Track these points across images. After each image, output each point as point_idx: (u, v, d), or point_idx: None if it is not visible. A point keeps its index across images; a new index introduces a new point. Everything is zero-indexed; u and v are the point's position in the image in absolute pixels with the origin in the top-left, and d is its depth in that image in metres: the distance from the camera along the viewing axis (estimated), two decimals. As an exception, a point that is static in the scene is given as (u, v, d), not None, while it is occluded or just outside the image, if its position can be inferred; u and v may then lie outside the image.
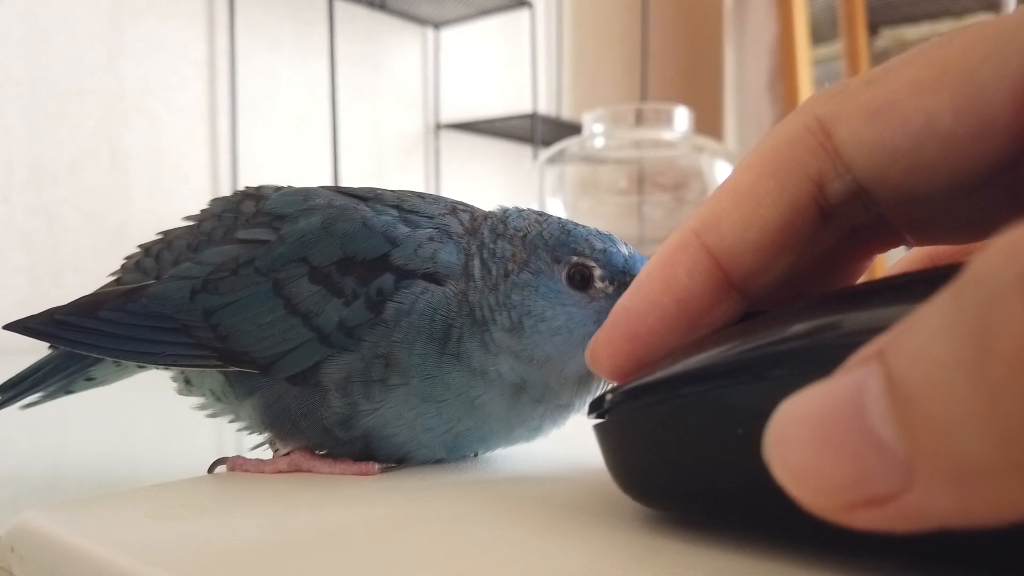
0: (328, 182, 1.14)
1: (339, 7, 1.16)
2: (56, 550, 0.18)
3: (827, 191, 0.16)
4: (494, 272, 0.24)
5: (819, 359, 0.14)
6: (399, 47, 1.40)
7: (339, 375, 0.23)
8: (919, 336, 0.10)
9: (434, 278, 0.24)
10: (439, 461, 0.25)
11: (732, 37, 2.01)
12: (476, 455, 0.26)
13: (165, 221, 1.06)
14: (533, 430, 0.25)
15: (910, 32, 1.74)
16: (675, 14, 2.05)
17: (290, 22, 1.22)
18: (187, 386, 0.27)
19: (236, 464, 0.24)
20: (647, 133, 1.05)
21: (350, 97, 1.26)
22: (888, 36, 1.77)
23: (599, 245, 0.24)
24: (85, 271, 0.98)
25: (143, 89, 1.04)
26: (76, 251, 0.97)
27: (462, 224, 0.25)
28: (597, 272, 0.23)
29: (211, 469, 0.25)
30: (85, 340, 0.26)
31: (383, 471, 0.24)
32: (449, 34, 1.46)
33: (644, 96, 1.88)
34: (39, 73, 0.95)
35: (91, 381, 0.30)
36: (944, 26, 1.70)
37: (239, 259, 0.25)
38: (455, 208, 0.26)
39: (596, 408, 0.19)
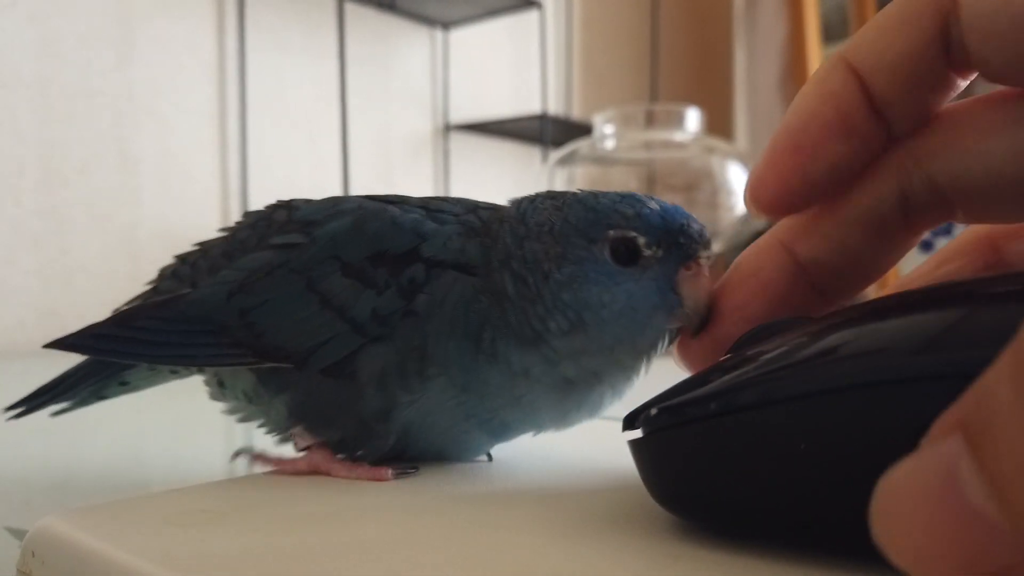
0: (337, 183, 1.14)
1: (348, 8, 1.17)
2: (77, 555, 0.17)
3: (950, 32, 0.17)
4: (531, 281, 0.23)
5: (862, 375, 0.14)
6: (408, 48, 1.40)
7: (375, 367, 0.23)
8: (994, 412, 0.10)
9: (465, 269, 0.23)
10: (459, 458, 0.25)
11: (742, 37, 2.00)
12: (490, 459, 0.26)
13: (174, 222, 1.07)
14: (593, 407, 0.24)
15: (921, 31, 1.74)
16: (685, 14, 2.05)
17: (299, 24, 1.22)
18: (220, 389, 0.27)
19: (259, 456, 0.25)
20: (658, 134, 1.05)
21: (359, 98, 1.26)
22: (899, 36, 1.76)
23: (630, 211, 0.22)
24: (95, 273, 0.98)
25: (153, 91, 1.05)
26: (86, 253, 0.98)
27: (482, 222, 0.25)
28: (641, 240, 0.22)
29: (234, 456, 0.26)
30: (123, 349, 0.26)
31: (396, 476, 0.23)
32: (458, 35, 1.46)
33: (654, 96, 1.87)
34: (49, 75, 0.95)
35: (125, 386, 0.30)
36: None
37: (273, 263, 0.25)
38: (476, 207, 0.26)
39: (631, 423, 0.18)
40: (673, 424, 0.17)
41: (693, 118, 1.05)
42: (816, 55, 1.85)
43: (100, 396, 0.31)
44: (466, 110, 1.48)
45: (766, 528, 0.16)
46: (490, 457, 0.26)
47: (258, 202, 1.19)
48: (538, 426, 0.24)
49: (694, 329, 0.22)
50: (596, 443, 0.28)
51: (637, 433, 0.18)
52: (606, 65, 1.84)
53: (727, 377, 0.16)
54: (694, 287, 0.22)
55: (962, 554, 0.10)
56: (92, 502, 0.21)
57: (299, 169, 1.21)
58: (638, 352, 0.23)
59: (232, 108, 1.14)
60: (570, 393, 0.23)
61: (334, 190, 1.15)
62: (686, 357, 0.22)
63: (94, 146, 0.99)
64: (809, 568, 0.15)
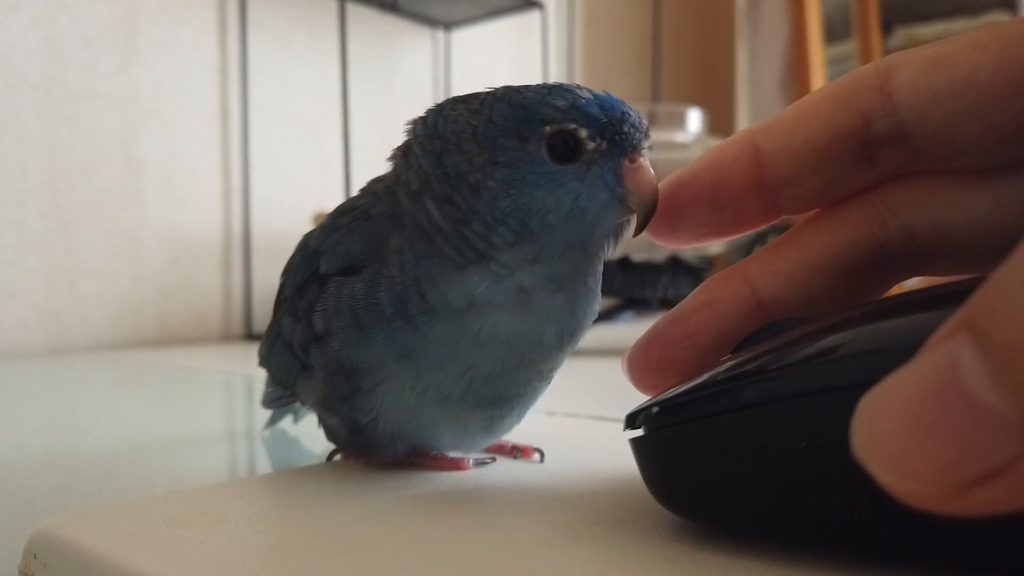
0: (339, 184, 1.14)
1: (350, 9, 1.17)
2: (79, 557, 0.18)
3: (872, 127, 0.17)
4: (459, 199, 0.20)
5: (863, 374, 0.14)
6: (410, 48, 1.40)
7: (314, 399, 0.24)
8: (1009, 294, 0.09)
9: (350, 269, 0.22)
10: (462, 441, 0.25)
11: (745, 37, 2.00)
12: (495, 461, 0.26)
13: (178, 224, 1.07)
14: (564, 320, 0.21)
15: (924, 31, 1.73)
16: (687, 14, 2.04)
17: (301, 24, 1.22)
18: None
19: (348, 453, 0.26)
20: (660, 135, 1.05)
21: (361, 98, 1.26)
22: (902, 35, 1.76)
23: (563, 103, 0.20)
24: (99, 274, 0.98)
25: (156, 93, 1.05)
26: (90, 254, 0.98)
27: (386, 185, 0.23)
28: (583, 133, 0.20)
29: (329, 457, 0.27)
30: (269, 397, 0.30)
31: (476, 466, 0.25)
32: (460, 35, 1.46)
33: (656, 97, 1.87)
34: (54, 77, 0.95)
35: (296, 415, 0.35)
36: (959, 25, 1.69)
37: (276, 306, 0.28)
38: (382, 177, 0.24)
39: (633, 421, 0.18)
40: (674, 422, 0.17)
41: (695, 119, 1.05)
42: (818, 55, 1.85)
43: (294, 411, 0.35)
44: (468, 111, 1.48)
45: (766, 527, 0.16)
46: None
47: (260, 203, 1.19)
48: (521, 363, 0.22)
49: (640, 224, 0.21)
50: (597, 442, 0.28)
51: (638, 432, 0.18)
52: (608, 66, 1.84)
53: (728, 376, 0.17)
54: (641, 180, 0.20)
55: (957, 452, 0.09)
56: (94, 503, 0.21)
57: (302, 170, 1.21)
58: (590, 254, 0.21)
59: (234, 109, 1.14)
60: (530, 306, 0.21)
61: (336, 191, 1.15)
62: (634, 377, 0.21)
63: (98, 148, 0.99)
64: (809, 568, 0.15)
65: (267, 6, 1.17)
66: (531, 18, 1.52)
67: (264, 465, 0.37)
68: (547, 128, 0.20)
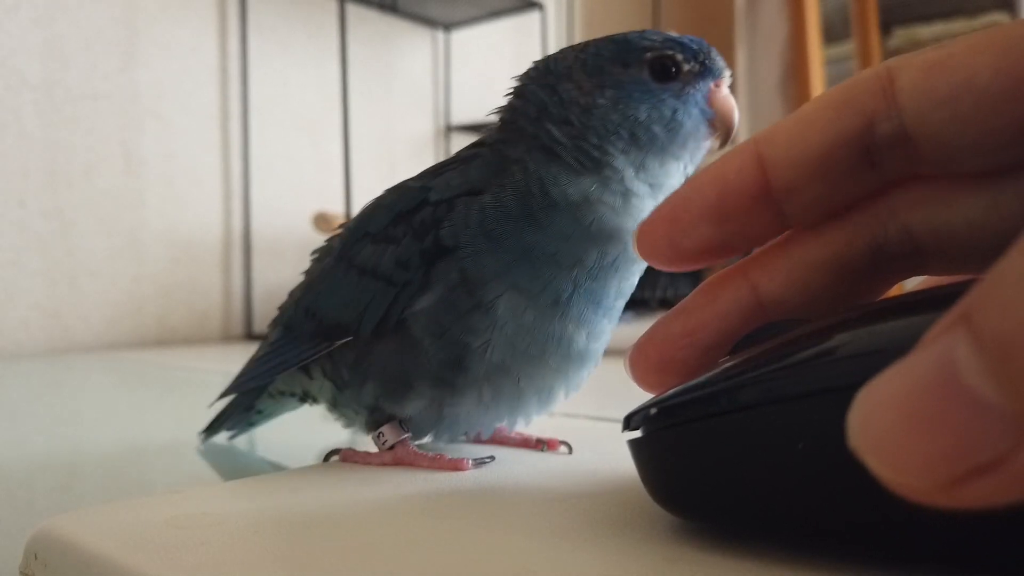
0: (339, 184, 1.14)
1: (350, 9, 1.17)
2: (79, 557, 0.18)
3: (876, 131, 0.17)
4: (574, 118, 0.24)
5: (860, 375, 0.14)
6: (410, 49, 1.40)
7: (423, 322, 0.24)
8: (1005, 287, 0.09)
9: (473, 192, 0.24)
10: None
11: (744, 37, 2.00)
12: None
13: (178, 224, 1.07)
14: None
15: (923, 31, 1.73)
16: (686, 14, 2.05)
17: (301, 25, 1.22)
18: (329, 409, 0.29)
19: (347, 456, 0.26)
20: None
21: (361, 99, 1.26)
22: (901, 35, 1.76)
23: (658, 38, 0.24)
24: (100, 274, 0.99)
25: (157, 94, 1.05)
26: (91, 255, 0.98)
27: (485, 141, 0.26)
28: (679, 56, 0.24)
29: (326, 459, 0.27)
30: (246, 379, 0.31)
31: (476, 466, 0.24)
32: (459, 36, 1.46)
33: (655, 97, 1.87)
34: (55, 78, 0.95)
35: (261, 414, 0.34)
36: (957, 25, 1.69)
37: (323, 262, 0.29)
38: (470, 147, 0.27)
39: (631, 422, 0.19)
40: (672, 424, 0.17)
41: (695, 119, 1.05)
42: (817, 56, 1.85)
43: (250, 423, 0.34)
44: (468, 111, 1.48)
45: (764, 527, 0.16)
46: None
47: (260, 204, 1.19)
48: (618, 259, 0.24)
49: (722, 141, 0.24)
50: (595, 443, 0.28)
51: (636, 433, 0.18)
52: (608, 66, 1.85)
53: (726, 377, 0.17)
54: (725, 104, 0.24)
55: (953, 445, 0.09)
56: (94, 504, 0.21)
57: (301, 170, 1.21)
58: (683, 165, 0.24)
59: (235, 110, 1.14)
60: (631, 207, 0.24)
61: (336, 191, 1.15)
62: (635, 375, 0.21)
63: (99, 148, 0.99)
64: (806, 569, 0.15)
65: (267, 7, 1.17)
66: (531, 19, 1.52)
67: (264, 466, 0.37)
68: (648, 54, 0.24)
